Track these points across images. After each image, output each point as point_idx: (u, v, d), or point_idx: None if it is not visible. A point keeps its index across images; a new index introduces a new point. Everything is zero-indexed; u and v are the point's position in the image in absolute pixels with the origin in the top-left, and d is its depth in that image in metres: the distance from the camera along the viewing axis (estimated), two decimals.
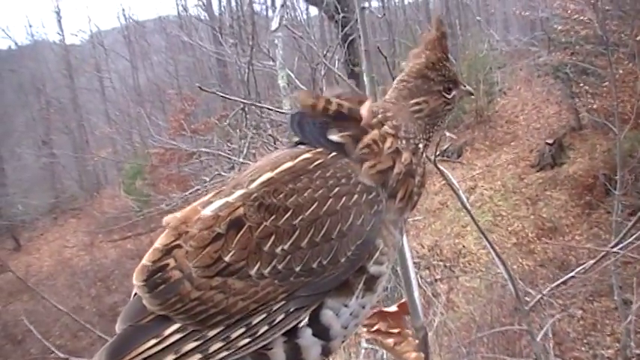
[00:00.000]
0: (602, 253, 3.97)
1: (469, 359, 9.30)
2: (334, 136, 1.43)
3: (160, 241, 1.38)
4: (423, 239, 16.00)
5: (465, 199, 3.90)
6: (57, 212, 31.49)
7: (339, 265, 1.33)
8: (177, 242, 1.35)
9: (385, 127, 1.47)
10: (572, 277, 4.29)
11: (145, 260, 1.36)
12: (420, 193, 1.50)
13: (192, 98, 23.23)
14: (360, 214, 1.35)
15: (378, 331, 1.86)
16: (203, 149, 10.38)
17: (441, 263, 11.87)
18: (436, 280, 10.62)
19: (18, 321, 18.00)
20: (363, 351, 6.07)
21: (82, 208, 31.19)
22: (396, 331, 1.85)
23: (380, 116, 1.48)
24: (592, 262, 4.03)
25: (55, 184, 33.71)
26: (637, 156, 15.33)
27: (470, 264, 14.80)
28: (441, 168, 3.77)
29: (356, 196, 1.36)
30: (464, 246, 15.48)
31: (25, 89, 35.43)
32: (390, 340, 1.84)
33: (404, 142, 1.47)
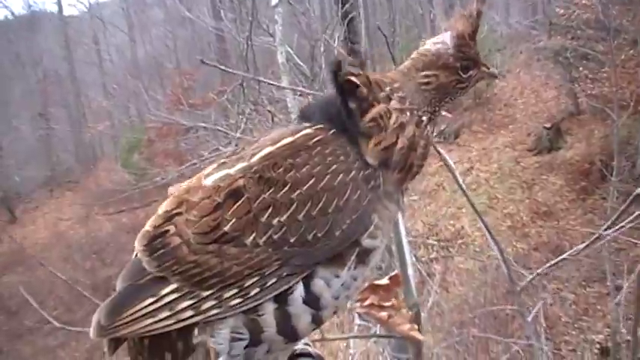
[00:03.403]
0: (595, 236, 3.98)
1: (461, 339, 9.36)
2: (352, 104, 1.45)
3: (162, 208, 1.42)
4: (419, 220, 16.03)
5: (460, 180, 3.90)
6: (53, 185, 31.46)
7: (333, 237, 1.36)
8: (179, 210, 1.39)
9: (393, 101, 1.47)
10: (565, 259, 4.30)
11: (148, 226, 1.41)
12: (421, 165, 1.52)
13: (190, 73, 23.12)
14: (356, 190, 1.38)
15: (371, 305, 1.85)
16: (200, 124, 10.35)
17: (436, 243, 11.91)
18: (431, 260, 10.65)
19: (12, 293, 18.05)
20: (356, 328, 6.12)
21: (78, 181, 31.19)
22: (388, 304, 1.85)
23: (388, 89, 1.49)
24: (582, 245, 4.04)
25: (51, 156, 33.61)
26: (634, 143, 15.37)
27: (465, 245, 14.84)
28: (439, 149, 3.76)
29: (353, 172, 1.39)
30: (462, 227, 15.49)
31: (22, 60, 35.19)
32: (384, 314, 1.84)
33: (408, 114, 1.48)
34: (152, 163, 19.41)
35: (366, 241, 1.41)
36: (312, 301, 1.38)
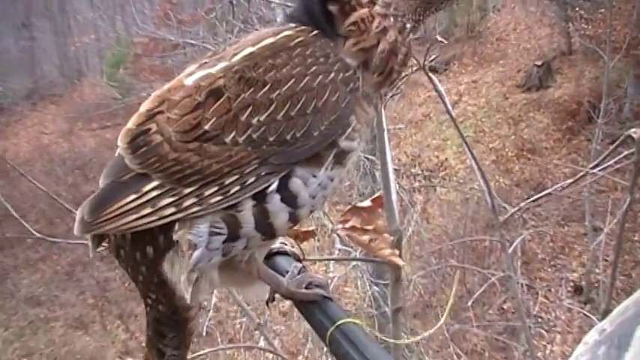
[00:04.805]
0: (582, 174, 3.99)
1: (439, 269, 9.54)
2: (331, 7, 1.46)
3: (144, 107, 1.44)
4: (404, 149, 16.03)
5: (450, 107, 3.87)
6: (36, 98, 30.90)
7: (311, 138, 1.40)
8: (160, 108, 1.42)
9: (377, 6, 1.48)
10: (549, 193, 4.35)
11: (130, 124, 1.44)
12: (400, 72, 1.53)
13: None
14: (335, 92, 1.41)
15: (353, 228, 1.89)
16: (188, 41, 10.19)
17: (419, 173, 11.94)
18: (414, 190, 10.72)
19: None
20: (336, 252, 6.19)
21: (61, 95, 30.67)
22: (370, 227, 1.88)
23: None
24: (569, 181, 4.06)
25: (34, 68, 32.90)
26: (623, 86, 15.36)
27: (448, 177, 14.91)
28: (431, 75, 3.70)
29: (332, 74, 1.42)
30: (446, 159, 15.53)
31: None
32: (365, 237, 1.88)
33: (392, 19, 1.49)
34: (138, 79, 19.17)
35: (343, 143, 1.45)
36: (289, 199, 1.43)
